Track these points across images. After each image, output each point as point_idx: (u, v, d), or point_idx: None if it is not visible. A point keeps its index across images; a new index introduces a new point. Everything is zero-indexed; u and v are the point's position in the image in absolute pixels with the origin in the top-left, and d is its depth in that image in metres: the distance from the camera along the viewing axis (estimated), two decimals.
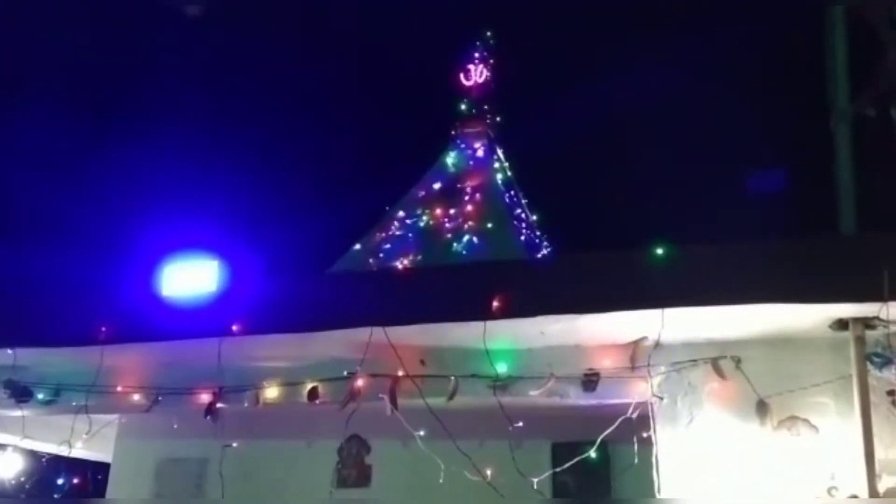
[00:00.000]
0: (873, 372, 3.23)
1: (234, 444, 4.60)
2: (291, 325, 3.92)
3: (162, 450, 5.81)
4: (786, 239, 3.46)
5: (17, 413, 4.87)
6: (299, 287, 4.34)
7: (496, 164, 9.00)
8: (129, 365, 4.48)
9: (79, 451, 6.77)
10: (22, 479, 6.46)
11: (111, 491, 6.05)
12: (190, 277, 4.30)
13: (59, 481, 5.43)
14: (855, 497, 2.99)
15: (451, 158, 9.05)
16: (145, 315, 4.18)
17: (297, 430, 5.40)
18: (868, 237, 3.96)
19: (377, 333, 3.78)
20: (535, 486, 3.73)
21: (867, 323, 3.24)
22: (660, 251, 3.39)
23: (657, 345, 3.49)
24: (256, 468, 5.44)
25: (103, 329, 4.18)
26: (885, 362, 3.22)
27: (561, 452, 4.36)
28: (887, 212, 5.06)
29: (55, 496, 6.53)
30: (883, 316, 3.15)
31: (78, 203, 12.32)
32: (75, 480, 6.95)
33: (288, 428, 5.44)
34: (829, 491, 3.07)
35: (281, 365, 4.25)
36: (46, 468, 6.56)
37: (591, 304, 3.47)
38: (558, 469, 3.91)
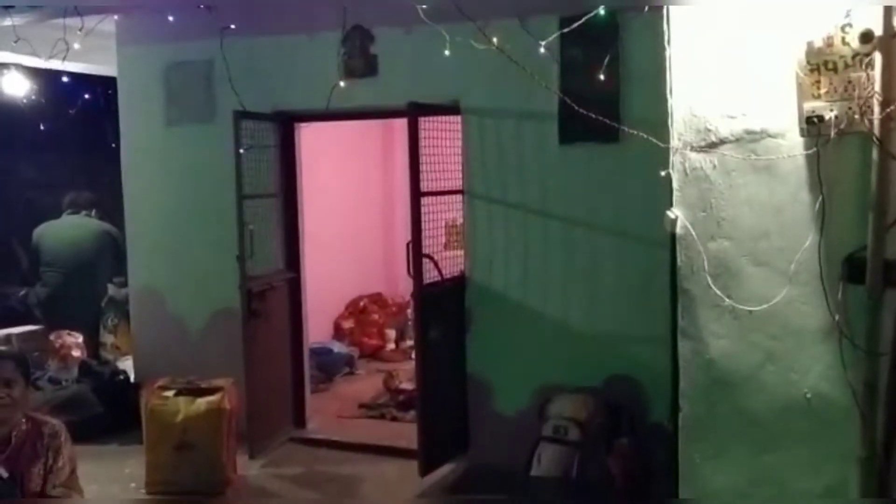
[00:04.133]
0: None
1: (233, 26, 4.52)
2: None
3: (166, 55, 5.77)
4: None
5: (7, 22, 4.77)
6: None
7: None
8: None
9: (85, 67, 6.76)
10: (33, 97, 6.54)
11: (122, 102, 6.12)
12: None
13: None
14: (868, 32, 2.93)
15: None
16: None
17: (298, 24, 5.28)
18: None
19: None
20: (543, 50, 3.68)
21: None
22: None
23: None
24: (261, 65, 5.43)
25: None
26: None
27: (569, 25, 4.22)
28: None
29: (70, 111, 6.67)
30: None
31: None
32: (87, 96, 7.05)
33: (287, 22, 5.32)
34: (842, 28, 3.00)
35: None
36: (57, 86, 6.61)
37: None
38: (566, 31, 3.82)
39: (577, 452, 4.27)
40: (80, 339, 6.18)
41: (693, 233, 3.14)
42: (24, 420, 3.24)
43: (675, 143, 3.19)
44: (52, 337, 6.12)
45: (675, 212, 3.19)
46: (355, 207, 8.05)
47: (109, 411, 5.67)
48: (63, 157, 8.79)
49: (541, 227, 4.83)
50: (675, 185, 3.20)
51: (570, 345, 4.80)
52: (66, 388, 5.75)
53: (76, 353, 6.07)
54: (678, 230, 3.18)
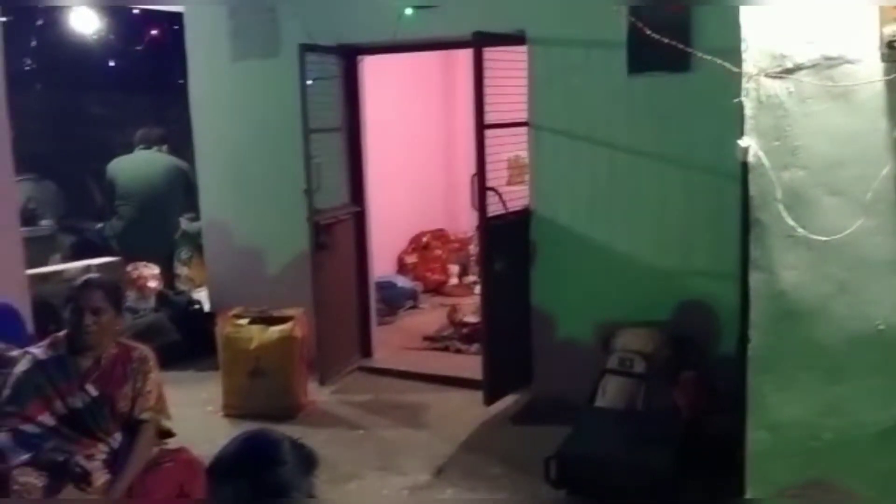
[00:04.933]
0: None
1: None
2: None
3: None
4: None
5: None
6: None
7: None
8: None
9: (151, 3, 6.84)
10: (102, 34, 6.66)
11: (189, 38, 6.20)
12: None
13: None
14: None
15: None
16: None
17: None
18: None
19: None
20: None
21: None
22: None
23: None
24: None
25: None
26: None
27: None
28: None
29: (137, 48, 6.80)
30: None
31: None
32: (154, 32, 7.16)
33: None
34: None
35: None
36: (124, 23, 6.72)
37: None
38: None
39: (642, 384, 4.30)
40: (156, 270, 6.39)
41: (766, 162, 3.08)
42: (113, 345, 3.39)
43: (749, 69, 3.11)
44: (129, 268, 6.35)
45: (748, 140, 3.12)
46: (417, 143, 8.06)
47: (186, 339, 5.91)
48: (132, 93, 8.96)
49: (607, 160, 4.79)
50: (747, 113, 3.12)
51: (636, 278, 4.79)
52: (145, 317, 5.99)
53: (152, 283, 6.29)
54: (750, 159, 3.11)
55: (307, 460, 2.06)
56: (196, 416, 4.90)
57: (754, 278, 3.14)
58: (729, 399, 3.75)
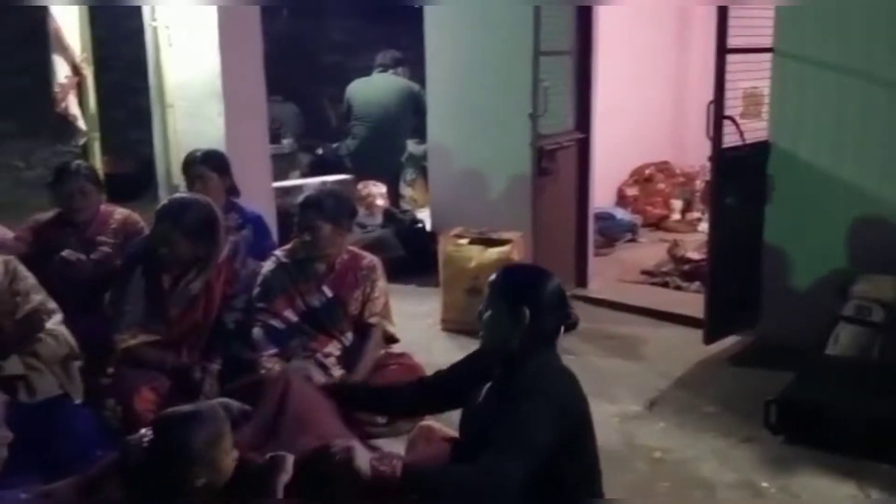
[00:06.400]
0: None
1: None
2: None
3: None
4: None
5: None
6: None
7: None
8: None
9: None
10: None
11: None
12: None
13: None
14: None
15: None
16: None
17: None
18: None
19: None
20: None
21: None
22: None
23: None
24: None
25: None
26: None
27: None
28: None
29: None
30: None
31: None
32: None
33: None
34: None
35: None
36: None
37: None
38: None
39: (879, 335, 3.99)
40: (384, 189, 6.71)
41: None
42: (344, 252, 3.64)
43: None
44: (359, 186, 6.70)
45: None
46: (647, 70, 7.75)
47: (409, 255, 6.18)
48: (370, 19, 9.31)
49: (862, 92, 4.37)
50: None
51: (883, 222, 4.39)
52: (373, 232, 6.33)
53: (380, 201, 6.61)
54: None
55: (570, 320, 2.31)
56: (417, 327, 5.14)
57: None
58: None
